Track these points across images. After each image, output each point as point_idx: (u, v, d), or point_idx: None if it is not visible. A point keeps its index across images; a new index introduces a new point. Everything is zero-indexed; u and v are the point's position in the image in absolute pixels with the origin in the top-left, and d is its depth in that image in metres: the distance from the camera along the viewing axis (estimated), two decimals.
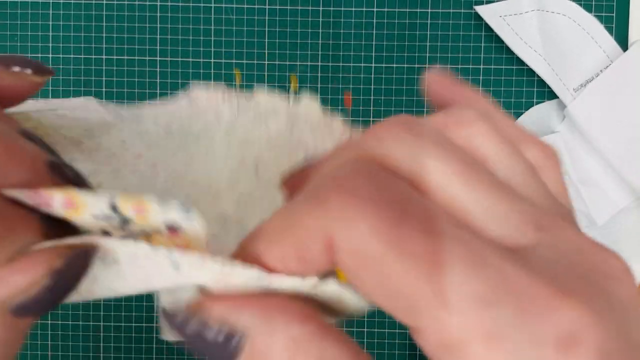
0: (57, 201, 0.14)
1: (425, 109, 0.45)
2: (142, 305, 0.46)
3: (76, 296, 0.15)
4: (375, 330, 0.46)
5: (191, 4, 0.45)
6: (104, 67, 0.45)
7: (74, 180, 0.16)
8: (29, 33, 0.45)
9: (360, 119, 0.45)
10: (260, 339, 0.13)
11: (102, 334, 0.46)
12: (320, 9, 0.45)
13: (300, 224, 0.13)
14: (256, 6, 0.45)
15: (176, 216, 0.14)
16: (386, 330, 0.46)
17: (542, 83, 0.44)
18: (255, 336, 0.13)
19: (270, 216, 0.14)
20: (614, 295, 0.11)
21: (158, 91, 0.45)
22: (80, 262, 0.14)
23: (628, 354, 0.11)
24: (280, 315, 0.13)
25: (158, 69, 0.45)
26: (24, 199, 0.14)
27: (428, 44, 0.45)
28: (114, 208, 0.14)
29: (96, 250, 0.14)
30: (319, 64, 0.45)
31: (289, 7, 0.45)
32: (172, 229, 0.14)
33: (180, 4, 0.45)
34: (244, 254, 0.14)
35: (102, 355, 0.47)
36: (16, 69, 0.17)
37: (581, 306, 0.11)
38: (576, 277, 0.12)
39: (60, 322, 0.46)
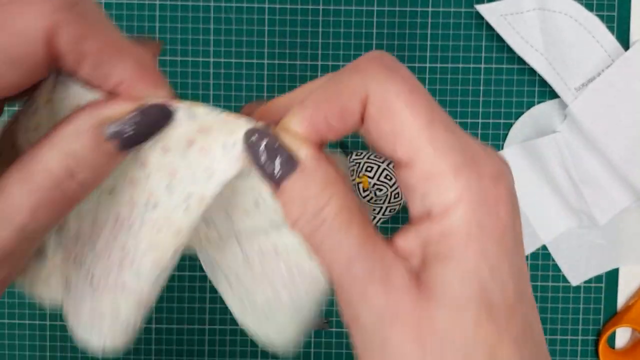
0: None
1: None
2: None
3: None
4: None
5: (190, 3, 0.44)
6: None
7: None
8: None
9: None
10: (309, 166, 0.19)
11: None
12: (320, 7, 0.44)
13: (344, 86, 0.18)
14: (256, 5, 0.44)
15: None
16: None
17: (543, 82, 0.44)
18: (307, 164, 0.19)
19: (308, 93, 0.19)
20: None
21: None
22: (162, 112, 0.18)
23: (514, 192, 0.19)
24: (325, 156, 0.19)
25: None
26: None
27: (429, 43, 0.45)
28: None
29: (176, 109, 0.19)
30: (319, 63, 0.45)
31: (288, 6, 0.44)
32: None
33: (179, 3, 0.44)
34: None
35: (100, 356, 0.46)
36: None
37: (500, 159, 0.18)
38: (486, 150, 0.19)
39: (59, 322, 0.46)
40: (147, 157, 0.19)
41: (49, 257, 0.24)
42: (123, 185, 0.20)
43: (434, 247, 0.18)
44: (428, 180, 0.18)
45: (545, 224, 0.45)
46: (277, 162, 0.18)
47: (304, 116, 0.18)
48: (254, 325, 0.27)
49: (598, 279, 0.46)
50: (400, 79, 0.18)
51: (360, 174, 0.43)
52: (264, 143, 0.18)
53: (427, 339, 0.17)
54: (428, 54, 0.45)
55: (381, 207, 0.44)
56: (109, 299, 0.22)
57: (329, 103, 0.18)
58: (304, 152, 0.18)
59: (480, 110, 0.45)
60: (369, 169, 0.43)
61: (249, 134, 0.18)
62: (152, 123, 0.18)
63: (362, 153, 0.44)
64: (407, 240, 0.18)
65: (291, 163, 0.18)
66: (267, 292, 0.25)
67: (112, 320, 0.23)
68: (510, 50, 0.43)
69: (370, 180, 0.43)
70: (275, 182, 0.18)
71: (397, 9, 0.44)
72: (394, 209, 0.44)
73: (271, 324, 0.26)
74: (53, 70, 0.18)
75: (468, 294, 0.17)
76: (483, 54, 0.45)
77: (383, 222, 0.45)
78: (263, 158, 0.18)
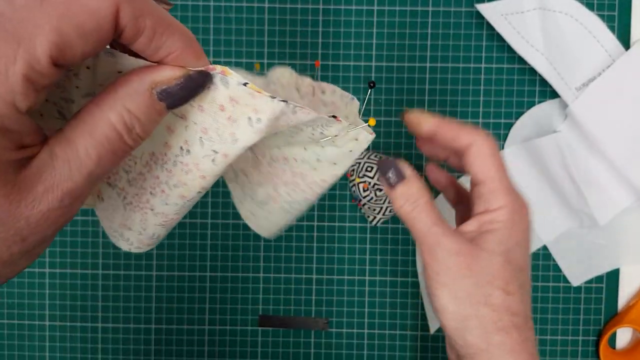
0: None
1: (425, 108, 0.45)
2: (141, 306, 0.46)
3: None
4: (376, 332, 0.46)
5: (190, 3, 0.44)
6: None
7: None
8: None
9: (361, 118, 0.45)
10: (411, 179, 0.32)
11: (100, 335, 0.46)
12: (321, 7, 0.44)
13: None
14: (256, 5, 0.44)
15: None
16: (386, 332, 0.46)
17: (543, 82, 0.44)
18: (410, 178, 0.32)
19: None
20: None
21: None
22: (203, 77, 0.22)
23: None
24: (421, 185, 0.32)
25: None
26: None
27: (429, 42, 0.44)
28: (245, 84, 0.22)
29: (214, 75, 0.22)
30: (319, 62, 0.45)
31: (288, 6, 0.44)
32: None
33: (179, 3, 0.44)
34: None
35: (100, 356, 0.46)
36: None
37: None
38: None
39: (58, 323, 0.46)
40: (186, 112, 0.23)
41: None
42: (159, 130, 0.24)
43: (486, 226, 0.31)
44: (492, 192, 0.31)
45: (546, 224, 0.45)
46: (393, 174, 0.32)
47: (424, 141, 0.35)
48: (248, 212, 0.34)
49: (599, 279, 0.45)
50: (488, 137, 0.32)
51: (361, 174, 0.43)
52: (388, 164, 0.32)
53: (474, 267, 0.30)
54: (428, 54, 0.45)
55: (381, 207, 0.44)
56: (138, 216, 0.27)
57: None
58: (408, 171, 0.32)
59: (481, 110, 0.45)
60: (369, 169, 0.43)
61: (383, 166, 0.32)
62: (195, 87, 0.22)
63: (362, 153, 0.44)
64: (468, 225, 0.31)
65: (401, 176, 0.32)
66: (269, 188, 0.32)
67: (139, 232, 0.28)
68: (510, 49, 0.43)
69: (370, 180, 0.43)
70: (392, 186, 0.31)
71: (397, 8, 0.44)
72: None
73: (264, 214, 0.34)
74: None
75: (500, 250, 0.30)
76: (483, 54, 0.44)
77: (383, 222, 0.45)
78: (387, 172, 0.32)
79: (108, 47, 0.22)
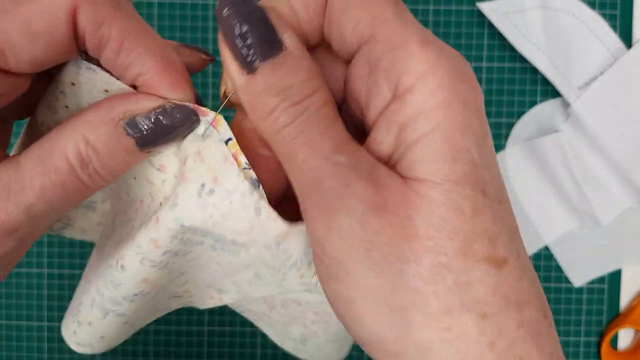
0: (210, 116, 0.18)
1: None
2: None
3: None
4: None
5: (189, 2, 0.44)
6: None
7: None
8: None
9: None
10: (295, 54, 0.17)
11: None
12: None
13: None
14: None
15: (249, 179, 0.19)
16: None
17: (545, 81, 0.44)
18: (293, 51, 0.17)
19: None
20: None
21: None
22: (185, 116, 0.18)
23: None
24: (308, 55, 0.18)
25: None
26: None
27: None
28: (227, 141, 0.18)
29: (197, 118, 0.18)
30: None
31: None
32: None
33: (178, 2, 0.44)
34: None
35: (98, 358, 0.46)
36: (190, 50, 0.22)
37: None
38: None
39: (57, 323, 0.46)
40: (165, 163, 0.19)
41: (97, 206, 0.25)
42: (142, 181, 0.20)
43: (410, 130, 0.16)
44: (393, 50, 0.16)
45: (548, 224, 0.45)
46: (256, 41, 0.15)
47: None
48: (293, 349, 0.28)
49: (600, 279, 0.45)
50: None
51: None
52: (247, 10, 0.16)
53: (421, 230, 0.16)
54: None
55: None
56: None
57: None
58: (289, 37, 0.16)
59: None
60: None
61: (238, 18, 0.16)
62: (171, 126, 0.18)
63: None
64: (378, 138, 0.17)
65: (274, 46, 0.16)
66: (300, 328, 0.25)
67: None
68: (512, 48, 0.43)
69: None
70: (248, 64, 0.16)
71: None
72: None
73: (310, 347, 0.26)
74: (78, 53, 0.18)
75: (459, 171, 0.16)
76: (485, 53, 0.44)
77: None
78: (241, 29, 0.16)
79: (83, 59, 0.19)
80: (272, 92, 0.16)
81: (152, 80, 0.18)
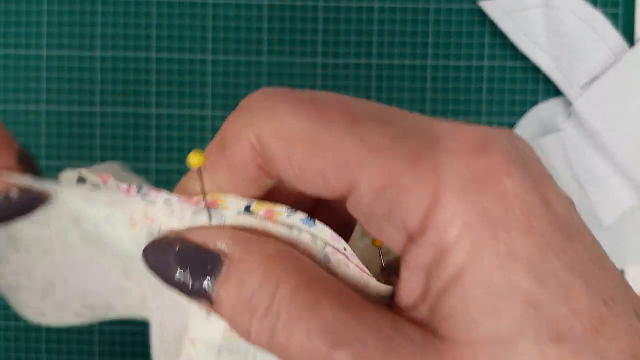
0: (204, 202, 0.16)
1: (427, 107, 0.44)
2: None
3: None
4: None
5: (188, 0, 0.44)
6: (98, 65, 0.44)
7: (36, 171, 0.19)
8: (23, 30, 0.44)
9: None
10: (237, 256, 0.14)
11: (97, 336, 0.46)
12: (320, 4, 0.44)
13: (228, 134, 0.15)
14: (254, 2, 0.44)
15: (299, 224, 0.15)
16: None
17: (547, 80, 0.44)
18: (233, 255, 0.14)
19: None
20: None
21: (154, 89, 0.44)
22: (25, 198, 0.17)
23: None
24: (254, 237, 0.15)
25: (154, 66, 0.44)
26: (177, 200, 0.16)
27: (430, 40, 0.44)
28: (247, 208, 0.16)
29: (46, 199, 0.17)
30: (319, 60, 0.44)
31: (288, 3, 0.44)
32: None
33: (176, 0, 0.44)
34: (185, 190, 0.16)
35: (97, 359, 0.46)
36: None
37: (482, 128, 0.14)
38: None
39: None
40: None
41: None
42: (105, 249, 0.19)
43: (435, 277, 0.12)
44: (382, 193, 0.13)
45: None
46: (193, 274, 0.14)
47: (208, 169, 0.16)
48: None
49: None
50: (293, 98, 0.15)
51: None
52: (171, 257, 0.14)
53: None
54: (430, 52, 0.44)
55: None
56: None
57: (219, 158, 0.16)
58: (223, 242, 0.14)
59: (484, 108, 0.44)
60: None
61: (148, 250, 0.15)
62: (8, 212, 0.17)
63: None
64: (403, 283, 0.13)
65: (214, 263, 0.14)
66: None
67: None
68: (513, 47, 0.43)
69: None
70: (207, 297, 0.14)
71: (398, 5, 0.44)
72: None
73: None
74: None
75: (509, 321, 0.11)
76: (486, 52, 0.44)
77: None
78: (181, 276, 0.14)
79: None
80: (240, 314, 0.14)
81: None
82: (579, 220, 0.13)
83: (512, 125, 0.44)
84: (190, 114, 0.44)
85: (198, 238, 0.14)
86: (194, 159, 0.14)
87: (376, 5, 0.44)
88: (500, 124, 0.44)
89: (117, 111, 0.44)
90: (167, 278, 0.14)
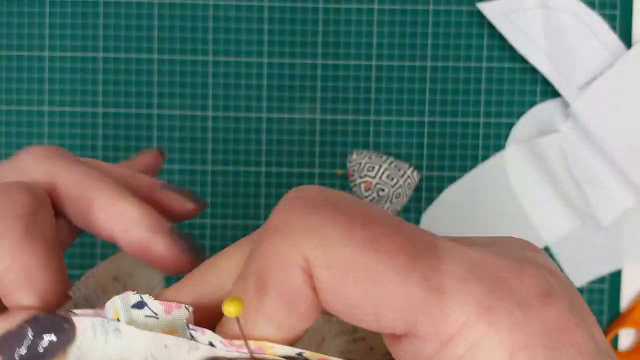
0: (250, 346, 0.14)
1: (426, 108, 0.44)
2: None
3: None
4: None
5: (189, 2, 0.44)
6: (101, 66, 0.44)
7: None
8: (26, 31, 0.44)
9: (361, 118, 0.44)
10: None
11: None
12: (320, 6, 0.44)
13: (269, 262, 0.13)
14: (255, 4, 0.44)
15: None
16: None
17: (545, 81, 0.44)
18: None
19: (231, 293, 0.14)
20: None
21: (155, 90, 0.44)
22: (52, 326, 0.15)
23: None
24: None
25: (156, 67, 0.44)
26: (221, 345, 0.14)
27: (430, 41, 0.44)
28: (300, 354, 0.14)
29: (69, 327, 0.15)
30: (319, 62, 0.44)
31: (288, 5, 0.44)
32: None
33: (178, 1, 0.44)
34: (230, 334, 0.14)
35: None
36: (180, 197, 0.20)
37: (540, 270, 0.13)
38: (518, 256, 0.14)
39: None
40: None
41: None
42: None
43: None
44: (449, 342, 0.12)
45: (548, 224, 0.45)
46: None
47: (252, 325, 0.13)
48: None
49: (601, 280, 0.45)
50: (343, 220, 0.13)
51: (362, 174, 0.43)
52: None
53: None
54: (429, 53, 0.44)
55: (383, 207, 0.44)
56: None
57: (264, 299, 0.13)
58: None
59: (482, 109, 0.45)
60: (370, 169, 0.43)
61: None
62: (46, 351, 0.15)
63: (363, 153, 0.43)
64: None
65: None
66: None
67: None
68: (512, 48, 0.43)
69: (371, 180, 0.43)
70: None
71: (398, 7, 0.44)
72: (395, 209, 0.44)
73: None
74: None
75: None
76: (484, 53, 0.44)
77: None
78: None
79: None
80: None
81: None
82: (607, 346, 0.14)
83: (510, 125, 0.45)
84: (192, 115, 0.44)
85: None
86: (230, 307, 0.13)
87: (376, 6, 0.44)
88: (499, 125, 0.45)
89: (119, 112, 0.44)
90: None
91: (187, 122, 0.44)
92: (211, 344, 0.14)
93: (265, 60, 0.44)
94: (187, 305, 0.15)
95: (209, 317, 0.15)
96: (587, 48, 0.42)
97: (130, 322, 0.15)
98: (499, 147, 0.44)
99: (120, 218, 0.17)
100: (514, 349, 0.12)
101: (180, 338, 0.14)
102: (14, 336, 0.15)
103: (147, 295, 0.15)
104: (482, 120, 0.45)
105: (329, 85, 0.44)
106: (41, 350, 0.15)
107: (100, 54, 0.44)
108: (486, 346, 0.12)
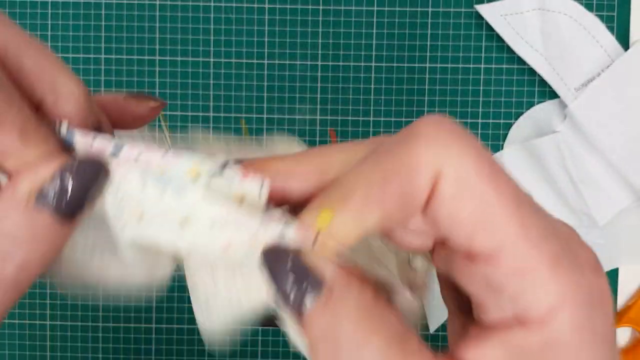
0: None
1: (425, 109, 0.45)
2: (141, 306, 0.46)
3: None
4: None
5: (190, 3, 0.44)
6: (102, 67, 0.45)
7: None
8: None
9: (361, 118, 0.45)
10: (336, 294, 0.15)
11: (100, 334, 0.46)
12: (320, 8, 0.44)
13: (406, 161, 0.15)
14: (256, 5, 0.44)
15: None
16: None
17: (543, 82, 0.44)
18: (333, 287, 0.15)
19: (350, 177, 0.16)
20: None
21: (157, 91, 0.45)
22: (90, 170, 0.16)
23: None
24: (357, 282, 0.16)
25: (157, 69, 0.44)
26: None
27: (429, 43, 0.44)
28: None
29: (107, 167, 0.16)
30: (319, 63, 0.45)
31: (288, 6, 0.44)
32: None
33: (179, 3, 0.44)
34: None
35: (100, 356, 0.46)
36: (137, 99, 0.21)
37: (585, 243, 0.16)
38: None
39: (59, 322, 0.46)
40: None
41: None
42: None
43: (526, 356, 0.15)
44: (520, 276, 0.14)
45: None
46: (298, 287, 0.15)
47: (352, 211, 0.15)
48: (195, 311, 0.25)
49: None
50: (477, 153, 0.15)
51: None
52: (288, 266, 0.15)
53: None
54: (428, 54, 0.45)
55: None
56: None
57: (385, 186, 0.15)
58: (329, 274, 0.15)
59: (480, 110, 0.45)
60: None
61: (268, 254, 0.16)
62: (84, 182, 0.16)
63: None
64: (485, 350, 0.15)
65: (317, 288, 0.15)
66: (206, 280, 0.24)
67: None
68: (510, 50, 0.43)
69: None
70: (300, 313, 0.15)
71: (397, 9, 0.44)
72: None
73: (205, 313, 0.25)
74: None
75: None
76: (483, 54, 0.45)
77: None
78: (289, 287, 0.15)
79: None
80: (321, 340, 0.15)
81: (16, 153, 0.16)
82: None
83: (508, 126, 0.45)
84: (193, 115, 0.45)
85: (310, 260, 0.16)
86: (325, 220, 0.15)
87: (375, 8, 0.44)
88: (497, 125, 0.45)
89: None
90: (278, 281, 0.16)
91: (188, 123, 0.45)
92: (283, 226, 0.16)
93: (265, 61, 0.45)
94: (265, 181, 0.16)
95: (280, 199, 0.17)
96: (584, 50, 0.43)
97: (209, 186, 0.16)
98: (497, 147, 0.45)
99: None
100: (564, 298, 0.14)
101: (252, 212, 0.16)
102: (49, 184, 0.16)
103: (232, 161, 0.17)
104: (480, 121, 0.45)
105: (329, 87, 0.45)
106: (74, 192, 0.16)
107: (102, 56, 0.45)
108: (545, 288, 0.14)
